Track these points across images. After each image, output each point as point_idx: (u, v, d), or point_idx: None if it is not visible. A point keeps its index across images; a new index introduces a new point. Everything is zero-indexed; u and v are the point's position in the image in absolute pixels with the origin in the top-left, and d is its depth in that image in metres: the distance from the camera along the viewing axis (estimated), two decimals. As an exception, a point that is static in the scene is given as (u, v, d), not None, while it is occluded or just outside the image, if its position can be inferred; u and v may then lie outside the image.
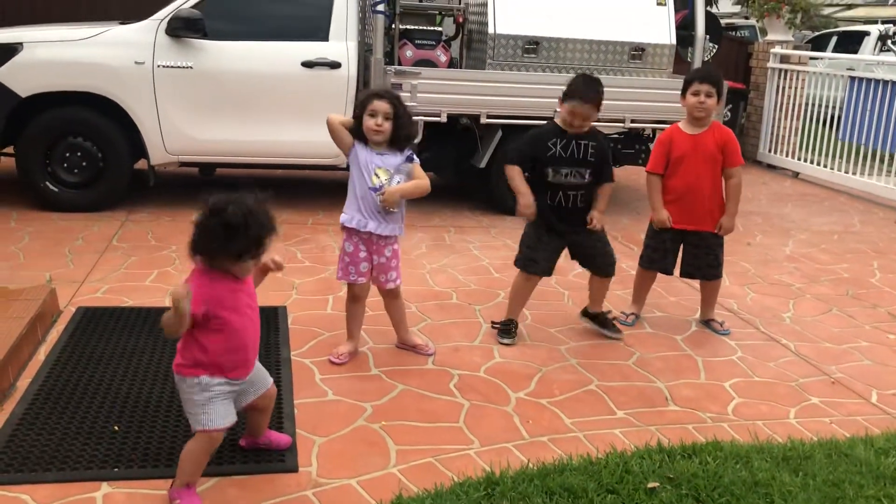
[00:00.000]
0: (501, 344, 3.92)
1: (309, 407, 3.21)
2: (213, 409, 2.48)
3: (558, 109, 3.90)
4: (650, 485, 2.72)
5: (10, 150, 5.88)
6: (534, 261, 3.93)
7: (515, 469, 2.82)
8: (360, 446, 2.94)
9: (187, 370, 2.49)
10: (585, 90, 3.77)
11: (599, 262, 3.99)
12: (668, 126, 4.36)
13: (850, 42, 14.03)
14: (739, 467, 2.87)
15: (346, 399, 3.29)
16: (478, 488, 2.67)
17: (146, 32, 5.78)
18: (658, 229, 4.24)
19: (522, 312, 4.10)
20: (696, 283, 4.79)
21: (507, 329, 3.98)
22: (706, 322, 4.37)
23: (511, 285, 4.07)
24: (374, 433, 3.04)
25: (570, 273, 5.09)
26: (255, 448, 2.82)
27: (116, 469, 2.68)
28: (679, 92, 4.23)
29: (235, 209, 2.36)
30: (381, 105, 3.41)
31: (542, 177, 3.86)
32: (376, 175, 3.46)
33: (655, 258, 4.29)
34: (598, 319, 4.12)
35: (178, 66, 5.77)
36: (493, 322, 4.07)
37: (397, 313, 3.82)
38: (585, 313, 4.18)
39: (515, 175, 3.87)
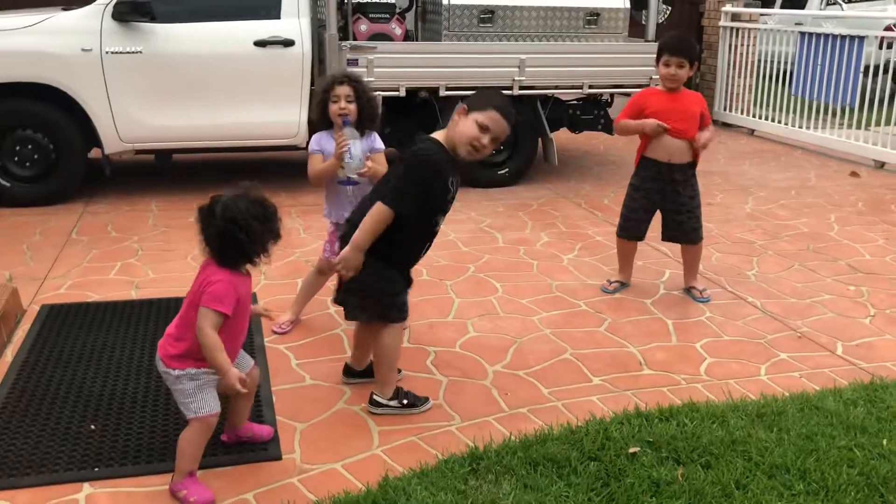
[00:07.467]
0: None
1: (287, 393, 3.19)
2: (202, 396, 2.49)
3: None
4: (631, 450, 2.77)
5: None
6: (399, 308, 3.04)
7: (498, 442, 2.84)
8: (342, 429, 2.94)
9: (175, 362, 2.48)
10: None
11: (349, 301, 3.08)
12: (628, 90, 4.37)
13: (797, -3, 14.15)
14: (716, 427, 2.93)
15: (324, 383, 3.28)
16: (462, 464, 2.69)
17: (92, 18, 5.60)
18: (633, 190, 4.25)
19: (493, 285, 4.09)
20: (664, 247, 4.86)
21: (413, 404, 3.09)
22: (688, 289, 4.38)
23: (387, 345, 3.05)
24: (354, 416, 3.04)
25: (536, 243, 5.12)
26: (238, 442, 2.80)
27: (97, 469, 2.65)
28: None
29: (248, 210, 2.41)
30: (343, 89, 3.44)
31: (429, 226, 2.95)
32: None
33: (627, 226, 4.31)
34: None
35: (128, 52, 5.61)
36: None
37: None
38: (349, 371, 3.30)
39: (380, 224, 2.79)
